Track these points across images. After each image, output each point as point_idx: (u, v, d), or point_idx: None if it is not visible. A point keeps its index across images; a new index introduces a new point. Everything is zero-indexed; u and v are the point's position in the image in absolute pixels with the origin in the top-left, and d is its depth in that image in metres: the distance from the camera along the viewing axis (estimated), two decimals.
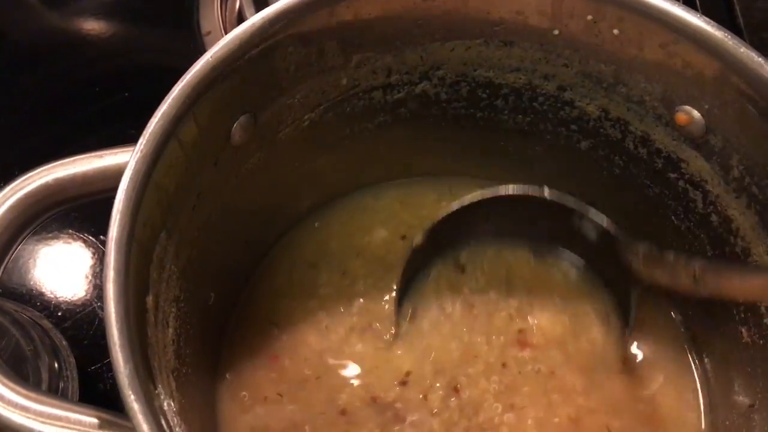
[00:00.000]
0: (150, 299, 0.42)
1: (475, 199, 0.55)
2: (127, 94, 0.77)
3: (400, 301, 0.57)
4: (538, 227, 0.58)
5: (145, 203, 0.40)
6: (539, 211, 0.55)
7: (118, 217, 0.39)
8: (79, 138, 0.75)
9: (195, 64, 0.43)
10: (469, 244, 0.59)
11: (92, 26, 0.83)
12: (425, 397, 0.54)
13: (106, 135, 0.74)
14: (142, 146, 0.41)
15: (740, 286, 0.42)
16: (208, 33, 0.79)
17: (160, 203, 0.43)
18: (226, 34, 0.44)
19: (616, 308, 0.57)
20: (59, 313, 0.66)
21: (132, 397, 0.35)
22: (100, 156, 0.44)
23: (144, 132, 0.41)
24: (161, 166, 0.42)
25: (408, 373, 0.55)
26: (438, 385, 0.55)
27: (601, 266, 0.58)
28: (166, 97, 0.42)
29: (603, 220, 0.54)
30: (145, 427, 0.34)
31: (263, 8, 0.45)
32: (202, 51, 0.44)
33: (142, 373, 0.36)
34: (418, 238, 0.56)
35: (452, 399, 0.54)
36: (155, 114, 0.41)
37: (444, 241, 0.58)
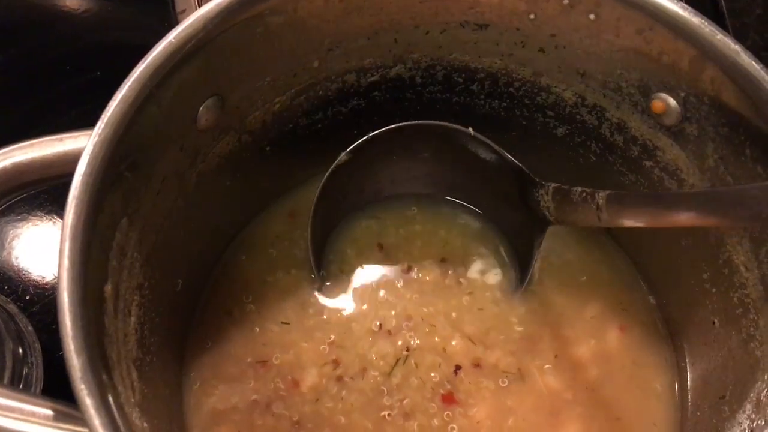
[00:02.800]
0: (109, 288, 0.40)
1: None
2: (98, 73, 0.75)
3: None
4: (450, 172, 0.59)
5: (103, 189, 0.39)
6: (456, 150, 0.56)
7: (74, 203, 0.38)
8: (49, 118, 0.73)
9: (157, 45, 0.42)
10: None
11: (65, 2, 0.80)
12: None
13: (75, 115, 0.72)
14: (100, 130, 0.39)
15: (636, 214, 0.43)
16: (183, 11, 0.77)
17: (120, 189, 0.41)
18: None
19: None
20: (27, 297, 0.65)
21: (84, 391, 0.34)
22: (60, 139, 0.42)
23: (102, 116, 0.39)
24: (121, 150, 0.40)
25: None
26: None
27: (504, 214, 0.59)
28: (125, 80, 0.40)
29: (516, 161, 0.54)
30: (97, 422, 0.33)
31: None
32: None
33: (97, 365, 0.35)
34: (343, 157, 0.54)
35: None
36: (114, 97, 0.40)
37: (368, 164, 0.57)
